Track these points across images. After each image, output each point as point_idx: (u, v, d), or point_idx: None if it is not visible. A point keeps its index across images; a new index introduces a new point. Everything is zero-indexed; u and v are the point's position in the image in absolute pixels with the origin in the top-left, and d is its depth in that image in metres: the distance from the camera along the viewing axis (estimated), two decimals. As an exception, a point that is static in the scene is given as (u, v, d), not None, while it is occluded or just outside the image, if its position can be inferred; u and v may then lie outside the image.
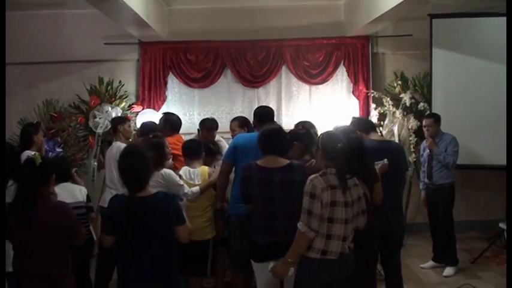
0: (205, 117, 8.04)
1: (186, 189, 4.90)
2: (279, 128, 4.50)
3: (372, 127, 5.33)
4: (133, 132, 7.11)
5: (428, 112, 7.43)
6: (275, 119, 8.07)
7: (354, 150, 4.05)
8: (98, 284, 5.68)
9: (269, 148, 4.27)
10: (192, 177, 5.12)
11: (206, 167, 5.27)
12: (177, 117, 6.54)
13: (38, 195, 3.46)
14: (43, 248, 3.40)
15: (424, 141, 6.88)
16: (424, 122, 6.84)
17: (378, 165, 4.55)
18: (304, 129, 5.10)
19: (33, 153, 4.37)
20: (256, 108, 5.55)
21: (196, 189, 4.97)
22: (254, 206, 4.27)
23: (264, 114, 5.38)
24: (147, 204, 3.55)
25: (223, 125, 7.22)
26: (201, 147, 5.48)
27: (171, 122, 6.33)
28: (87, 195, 4.95)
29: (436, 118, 6.70)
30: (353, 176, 3.79)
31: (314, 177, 3.68)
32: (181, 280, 4.12)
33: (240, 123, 6.07)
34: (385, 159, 4.60)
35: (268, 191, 4.16)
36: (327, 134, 3.95)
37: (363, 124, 5.23)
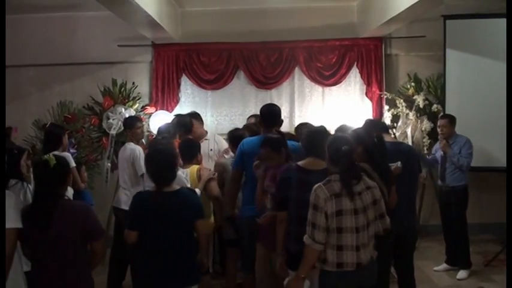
0: (219, 118, 8.12)
1: None
2: (323, 130, 4.30)
3: (385, 129, 5.31)
4: (147, 133, 7.14)
5: (442, 114, 7.40)
6: (288, 121, 8.19)
7: (381, 150, 4.07)
8: (111, 284, 5.71)
9: (310, 149, 4.12)
10: (185, 176, 5.11)
11: (196, 167, 5.26)
12: (190, 118, 6.53)
13: (57, 195, 3.47)
14: (61, 248, 3.40)
15: (438, 143, 6.85)
16: (438, 123, 6.80)
17: (392, 167, 4.53)
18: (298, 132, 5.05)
19: (61, 154, 4.40)
20: (262, 107, 5.38)
21: (197, 191, 4.96)
22: (290, 210, 4.04)
23: (269, 114, 5.22)
24: (173, 199, 3.79)
25: (236, 126, 7.21)
26: (195, 147, 5.52)
27: (185, 124, 6.33)
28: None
29: (451, 119, 6.66)
30: (364, 178, 3.70)
31: (318, 187, 3.57)
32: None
33: (255, 121, 6.06)
34: (399, 162, 4.58)
35: (306, 193, 3.81)
36: (333, 137, 3.86)
37: (375, 125, 5.20)
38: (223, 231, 5.49)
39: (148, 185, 4.36)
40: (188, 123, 6.31)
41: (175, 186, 3.92)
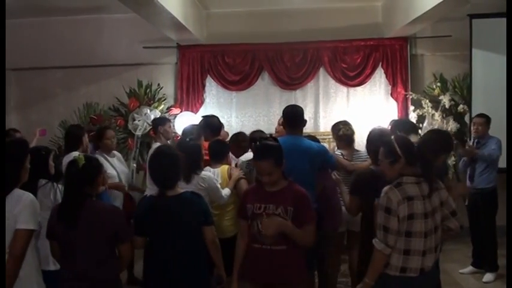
0: (243, 119, 8.12)
1: (224, 191, 4.92)
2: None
3: (413, 128, 5.20)
4: (174, 133, 7.18)
5: (468, 114, 7.32)
6: (313, 122, 8.17)
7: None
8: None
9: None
10: (215, 176, 5.13)
11: (226, 166, 5.26)
12: (217, 119, 6.53)
13: (84, 195, 3.48)
14: (89, 249, 3.41)
15: (467, 146, 6.75)
16: (474, 120, 6.72)
17: None
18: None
19: (78, 153, 4.43)
20: (285, 108, 5.28)
21: (227, 190, 4.98)
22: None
23: (292, 115, 5.12)
24: (174, 203, 3.70)
25: (260, 127, 7.24)
26: (226, 148, 5.52)
27: (212, 125, 6.33)
28: None
29: (488, 119, 6.56)
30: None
31: (389, 190, 3.45)
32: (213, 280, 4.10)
33: None
34: None
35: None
36: (402, 138, 3.70)
37: (403, 125, 5.14)
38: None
39: (151, 188, 4.37)
40: (216, 124, 6.32)
41: (179, 189, 3.81)
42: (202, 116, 6.68)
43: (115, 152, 6.28)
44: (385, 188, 3.47)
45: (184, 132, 6.19)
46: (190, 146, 4.89)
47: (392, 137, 3.71)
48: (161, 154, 3.89)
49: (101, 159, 5.79)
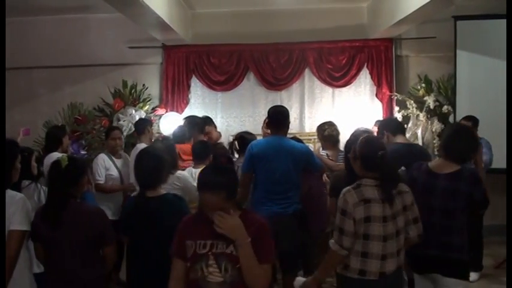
0: (228, 120, 8.13)
1: None
2: (465, 130, 4.02)
3: (400, 129, 5.17)
4: (156, 134, 7.18)
5: (452, 115, 7.36)
6: (298, 122, 8.19)
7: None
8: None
9: (450, 153, 3.83)
10: (194, 177, 5.13)
11: None
12: (200, 118, 6.55)
13: (68, 196, 3.45)
14: (73, 250, 3.39)
15: None
16: (461, 123, 6.76)
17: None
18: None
19: (60, 155, 4.40)
20: (270, 109, 5.32)
21: None
22: None
23: (277, 116, 5.16)
24: (155, 204, 3.63)
25: (246, 127, 7.24)
26: (208, 149, 5.51)
27: (197, 124, 6.37)
28: None
29: (475, 122, 6.57)
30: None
31: (347, 191, 3.38)
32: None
33: None
34: (402, 167, 4.54)
35: (429, 198, 3.76)
36: (366, 140, 3.58)
37: (390, 124, 5.15)
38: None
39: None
40: (200, 123, 6.36)
41: (161, 191, 3.75)
42: (184, 118, 6.69)
43: (122, 153, 6.32)
44: (344, 190, 3.41)
45: (175, 134, 6.21)
46: (165, 146, 4.89)
47: (361, 138, 3.63)
48: (144, 155, 3.89)
49: (105, 159, 5.86)
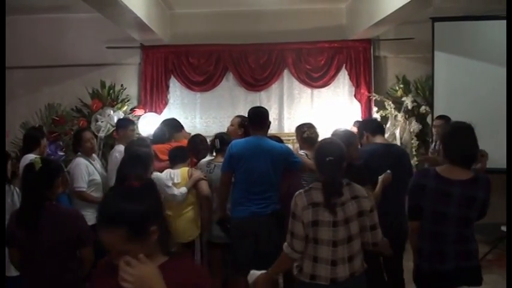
0: (207, 120, 8.13)
1: (175, 191, 4.98)
2: (467, 127, 3.65)
3: (379, 129, 5.18)
4: (136, 135, 7.14)
5: (430, 115, 7.43)
6: (277, 123, 8.21)
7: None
8: None
9: (454, 155, 3.56)
10: (172, 177, 5.14)
11: (186, 168, 5.26)
12: (177, 120, 6.56)
13: (43, 199, 3.42)
14: (50, 253, 3.36)
15: (430, 148, 6.85)
16: (434, 122, 6.83)
17: (381, 176, 4.52)
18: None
19: (35, 156, 4.36)
20: (250, 109, 5.33)
21: (183, 189, 5.02)
22: (423, 222, 3.61)
23: (257, 117, 5.19)
24: None
25: (225, 128, 7.18)
26: (184, 152, 5.51)
27: (175, 125, 6.35)
28: None
29: (447, 120, 6.65)
30: (352, 186, 3.48)
31: (298, 194, 3.40)
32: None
33: (240, 122, 6.00)
34: (388, 170, 4.57)
35: (443, 205, 3.48)
36: (319, 144, 3.62)
37: (369, 125, 5.17)
38: (212, 233, 5.44)
39: None
40: (178, 123, 6.37)
41: None
42: (162, 121, 6.64)
43: (94, 156, 6.02)
44: (296, 193, 3.43)
45: (155, 134, 6.19)
46: (139, 146, 4.89)
47: (325, 140, 3.67)
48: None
49: (87, 164, 5.64)
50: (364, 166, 4.47)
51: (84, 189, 5.47)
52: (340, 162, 3.41)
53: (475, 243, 3.62)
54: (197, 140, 5.88)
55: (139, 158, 4.32)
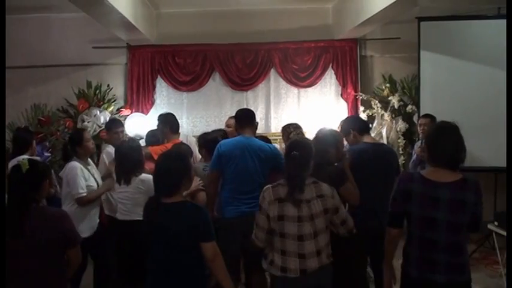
0: (194, 120, 8.10)
1: None
2: (451, 126, 3.47)
3: (367, 128, 5.18)
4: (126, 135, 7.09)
5: (422, 114, 7.46)
6: (264, 123, 8.21)
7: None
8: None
9: (439, 157, 3.39)
10: None
11: None
12: (174, 117, 6.42)
13: (29, 201, 3.37)
14: (37, 256, 3.32)
15: (416, 145, 6.88)
16: (420, 121, 6.86)
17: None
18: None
19: (24, 157, 4.31)
20: (237, 111, 5.42)
21: None
22: (411, 228, 3.46)
23: (244, 117, 5.24)
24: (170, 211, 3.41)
25: (212, 128, 7.19)
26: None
27: (171, 123, 6.24)
28: None
29: (433, 119, 6.68)
30: (319, 185, 3.60)
31: (266, 188, 3.60)
32: None
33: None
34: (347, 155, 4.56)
35: (431, 210, 3.29)
36: (289, 141, 3.78)
37: (357, 123, 5.15)
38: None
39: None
40: (175, 121, 6.26)
41: (179, 197, 3.47)
42: (160, 115, 6.51)
43: (90, 160, 5.61)
44: (265, 187, 3.62)
45: (148, 137, 6.10)
46: (130, 148, 4.87)
47: (295, 138, 3.85)
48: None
49: (83, 169, 5.19)
50: (352, 166, 4.47)
51: (85, 194, 5.09)
52: (306, 159, 3.56)
53: (466, 253, 3.45)
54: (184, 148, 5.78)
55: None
